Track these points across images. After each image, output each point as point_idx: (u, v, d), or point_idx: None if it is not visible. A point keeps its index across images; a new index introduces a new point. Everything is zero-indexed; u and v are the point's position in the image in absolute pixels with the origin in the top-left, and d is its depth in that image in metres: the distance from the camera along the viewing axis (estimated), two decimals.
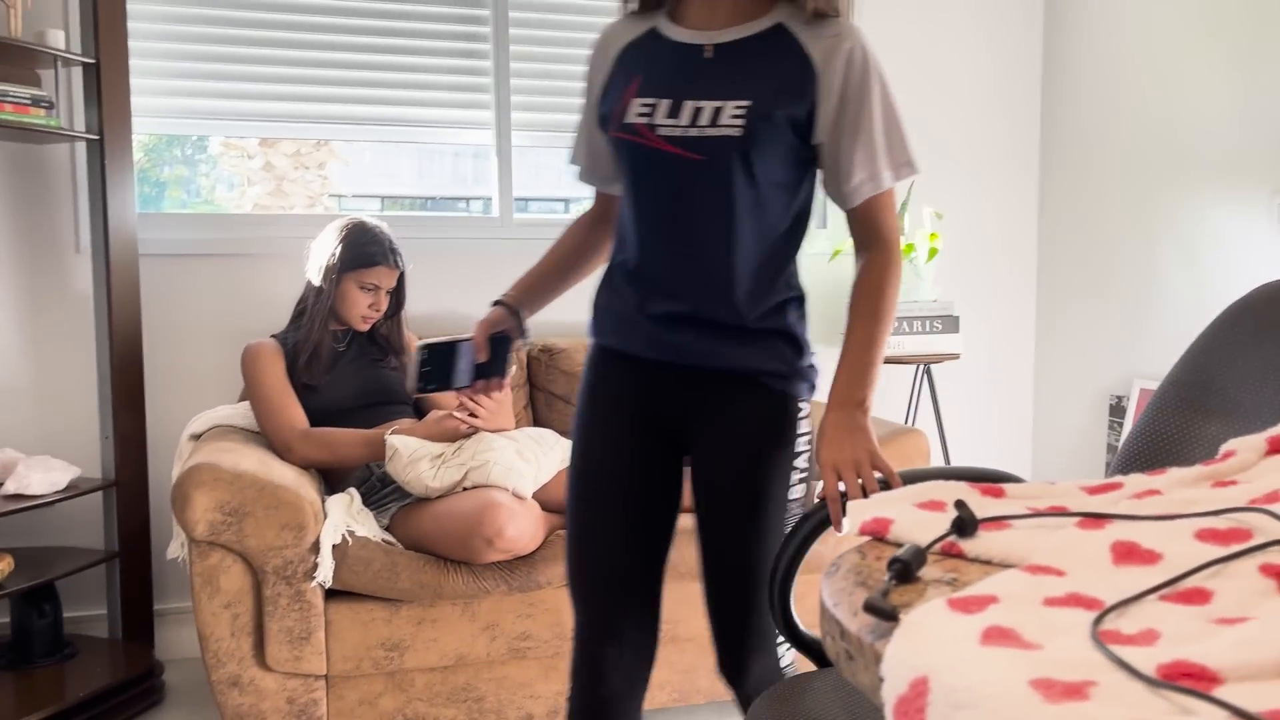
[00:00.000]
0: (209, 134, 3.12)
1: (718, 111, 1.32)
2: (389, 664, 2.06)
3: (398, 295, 2.47)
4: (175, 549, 2.28)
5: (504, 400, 2.29)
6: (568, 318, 3.05)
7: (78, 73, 2.51)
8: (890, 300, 1.36)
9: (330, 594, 2.04)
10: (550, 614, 2.14)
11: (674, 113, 1.34)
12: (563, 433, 2.59)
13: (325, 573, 1.99)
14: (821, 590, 0.69)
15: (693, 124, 1.33)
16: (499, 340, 1.50)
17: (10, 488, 2.27)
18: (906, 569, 0.66)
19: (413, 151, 4.09)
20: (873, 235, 1.39)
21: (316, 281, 2.38)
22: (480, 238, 2.97)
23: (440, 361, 1.48)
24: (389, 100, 2.88)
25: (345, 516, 2.09)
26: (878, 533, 0.76)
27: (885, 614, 0.60)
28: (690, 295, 1.38)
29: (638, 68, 1.41)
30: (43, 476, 2.30)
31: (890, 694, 0.54)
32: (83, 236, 2.61)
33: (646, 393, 1.45)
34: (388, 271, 2.38)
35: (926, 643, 0.54)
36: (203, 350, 2.72)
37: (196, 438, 2.34)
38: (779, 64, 1.34)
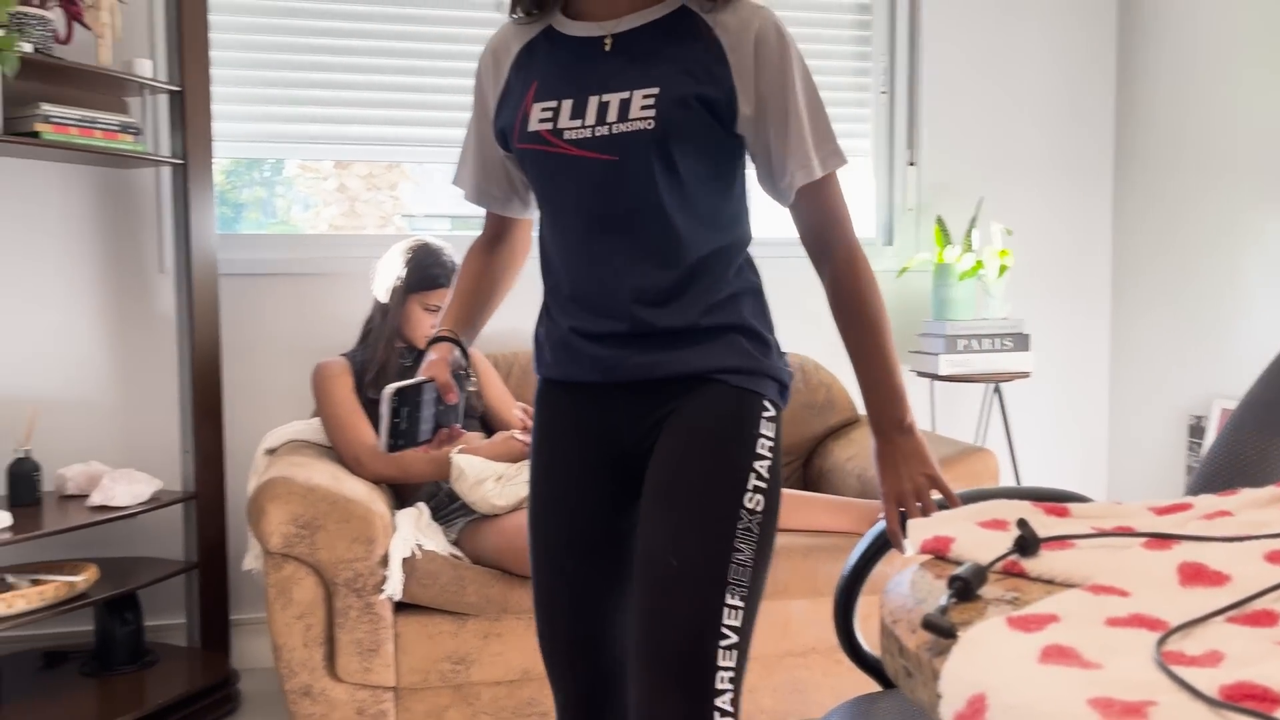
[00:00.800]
0: (285, 157, 3.22)
1: (625, 104, 1.21)
2: (455, 677, 2.09)
3: None
4: (250, 561, 2.34)
5: None
6: None
7: (163, 99, 2.61)
8: (877, 305, 1.24)
9: (399, 607, 2.08)
10: None
11: (578, 113, 1.23)
12: None
13: (395, 586, 2.03)
14: (882, 605, 0.69)
15: (600, 122, 1.22)
16: (455, 378, 1.35)
17: (96, 499, 2.36)
18: (967, 587, 0.66)
19: None
20: (826, 235, 1.27)
21: (383, 300, 2.44)
22: None
23: (410, 410, 1.28)
24: (459, 123, 2.95)
25: (414, 531, 2.13)
26: (938, 551, 0.76)
27: (944, 631, 0.60)
28: (626, 311, 1.24)
29: (534, 71, 1.30)
30: (127, 489, 2.39)
31: (948, 711, 0.54)
32: (166, 257, 2.71)
33: (602, 422, 1.31)
34: (448, 291, 2.43)
35: (985, 660, 0.55)
36: (278, 367, 2.80)
37: (271, 452, 2.40)
38: (685, 47, 1.23)
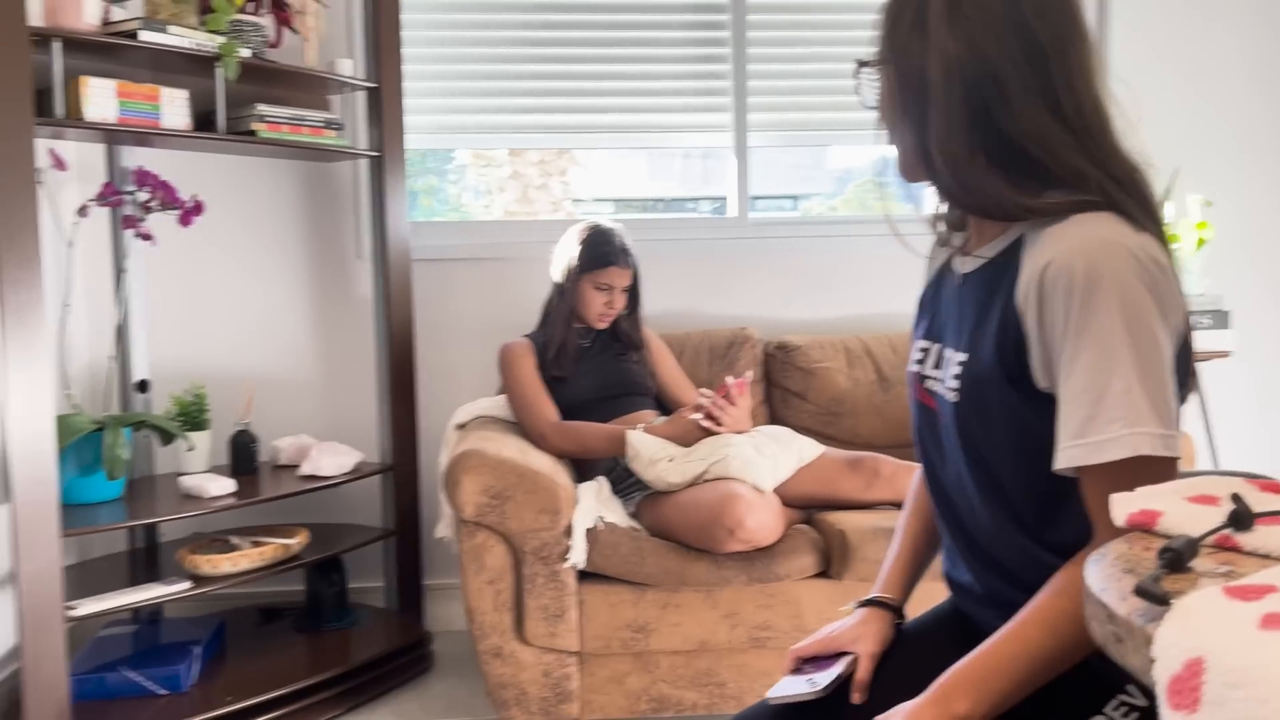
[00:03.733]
0: (463, 147, 3.38)
1: (942, 360, 1.15)
2: (635, 645, 2.16)
3: (633, 293, 2.59)
4: (442, 528, 2.49)
5: (744, 403, 2.35)
6: (802, 314, 3.08)
7: (361, 96, 2.79)
8: (1074, 620, 0.96)
9: (582, 575, 2.17)
10: (789, 606, 2.18)
11: (936, 361, 1.17)
12: (798, 429, 2.63)
13: (578, 555, 2.12)
14: (1087, 577, 0.70)
15: (941, 371, 1.15)
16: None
17: (306, 469, 2.55)
18: (1178, 558, 0.66)
19: (644, 156, 4.24)
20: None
21: (559, 281, 2.55)
22: (719, 238, 3.05)
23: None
24: (630, 108, 3.02)
25: (596, 503, 2.22)
26: (1145, 525, 0.76)
27: (1157, 598, 0.60)
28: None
29: (927, 306, 1.24)
30: (332, 460, 2.57)
31: (1163, 674, 0.55)
32: (363, 244, 2.90)
33: None
34: (620, 272, 2.51)
35: (1202, 626, 0.55)
36: (465, 347, 2.96)
37: (461, 427, 2.54)
38: (999, 299, 1.06)
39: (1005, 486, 1.08)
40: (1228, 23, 3.07)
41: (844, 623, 1.28)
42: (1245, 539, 0.71)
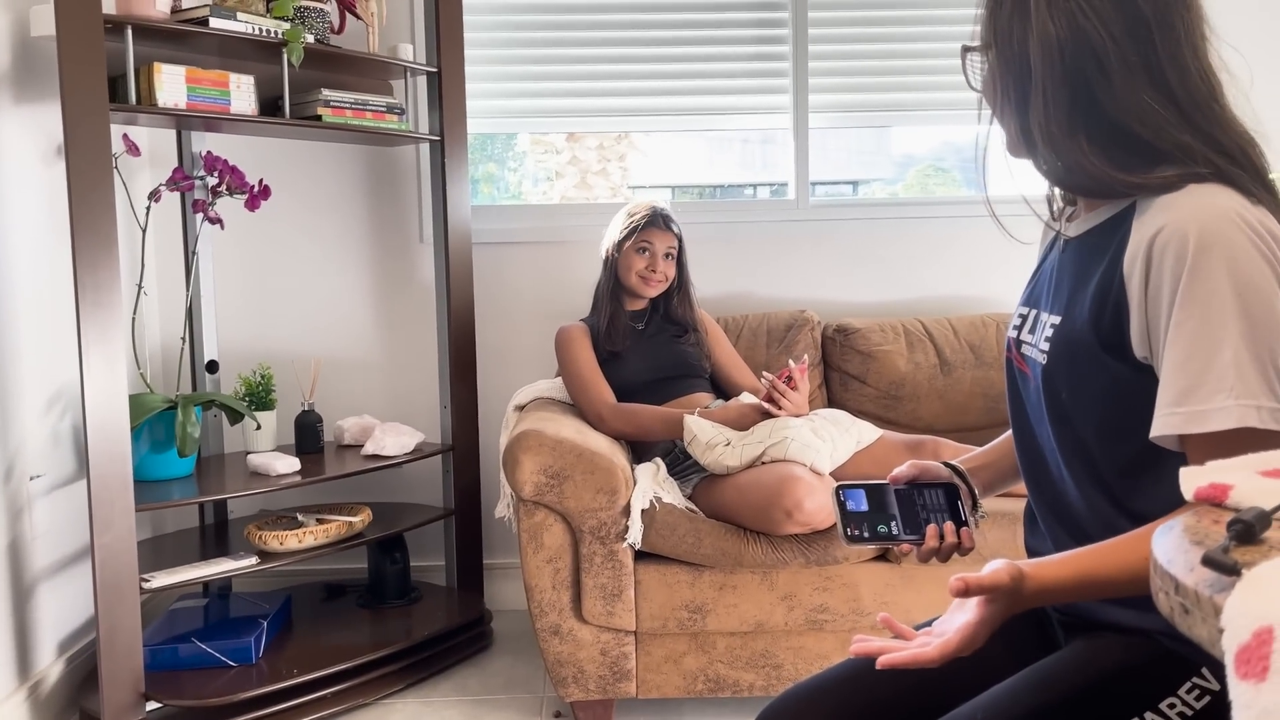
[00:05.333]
0: (521, 131, 3.40)
1: (1037, 325, 1.16)
2: (692, 625, 2.17)
3: (680, 268, 2.59)
4: (502, 509, 2.52)
5: (802, 387, 2.34)
6: (861, 297, 3.05)
7: (422, 81, 2.82)
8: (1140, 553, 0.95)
9: (639, 555, 2.19)
10: (847, 589, 2.17)
11: (1032, 326, 1.17)
12: (856, 413, 2.61)
13: (635, 534, 2.14)
14: (1154, 549, 0.69)
15: (1034, 335, 1.16)
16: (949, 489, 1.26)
17: (369, 448, 2.60)
18: (1249, 529, 0.65)
19: (702, 141, 4.22)
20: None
21: (604, 256, 2.58)
22: (778, 220, 3.03)
23: (875, 505, 1.23)
24: (688, 90, 3.01)
25: (653, 484, 2.23)
26: (1214, 498, 0.74)
27: (1226, 568, 0.59)
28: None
29: (1033, 276, 1.25)
30: (395, 440, 2.62)
31: (1231, 643, 0.54)
32: (425, 228, 2.94)
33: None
34: (660, 233, 2.52)
35: (1272, 595, 0.54)
36: (523, 329, 2.98)
37: (520, 408, 2.57)
38: (1100, 264, 1.06)
39: (1091, 452, 1.08)
40: None
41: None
42: None
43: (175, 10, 2.24)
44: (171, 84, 2.19)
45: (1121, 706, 1.04)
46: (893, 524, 1.22)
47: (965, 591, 0.97)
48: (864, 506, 1.23)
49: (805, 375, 2.35)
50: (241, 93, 2.31)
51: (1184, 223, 0.96)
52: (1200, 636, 0.60)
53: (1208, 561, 0.60)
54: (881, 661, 1.01)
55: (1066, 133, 1.05)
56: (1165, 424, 0.96)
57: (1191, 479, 0.77)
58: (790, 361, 2.38)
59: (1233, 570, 0.59)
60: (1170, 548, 0.67)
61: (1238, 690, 0.53)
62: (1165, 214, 0.98)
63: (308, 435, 2.67)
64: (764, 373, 2.40)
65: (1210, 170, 1.01)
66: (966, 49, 1.14)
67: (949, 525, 1.21)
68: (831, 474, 2.23)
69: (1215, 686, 1.03)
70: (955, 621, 1.01)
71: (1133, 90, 1.02)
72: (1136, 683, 1.05)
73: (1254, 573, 0.57)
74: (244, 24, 2.25)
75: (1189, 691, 1.03)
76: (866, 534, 1.20)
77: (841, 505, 1.22)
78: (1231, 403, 0.93)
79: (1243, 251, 0.94)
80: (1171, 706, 1.03)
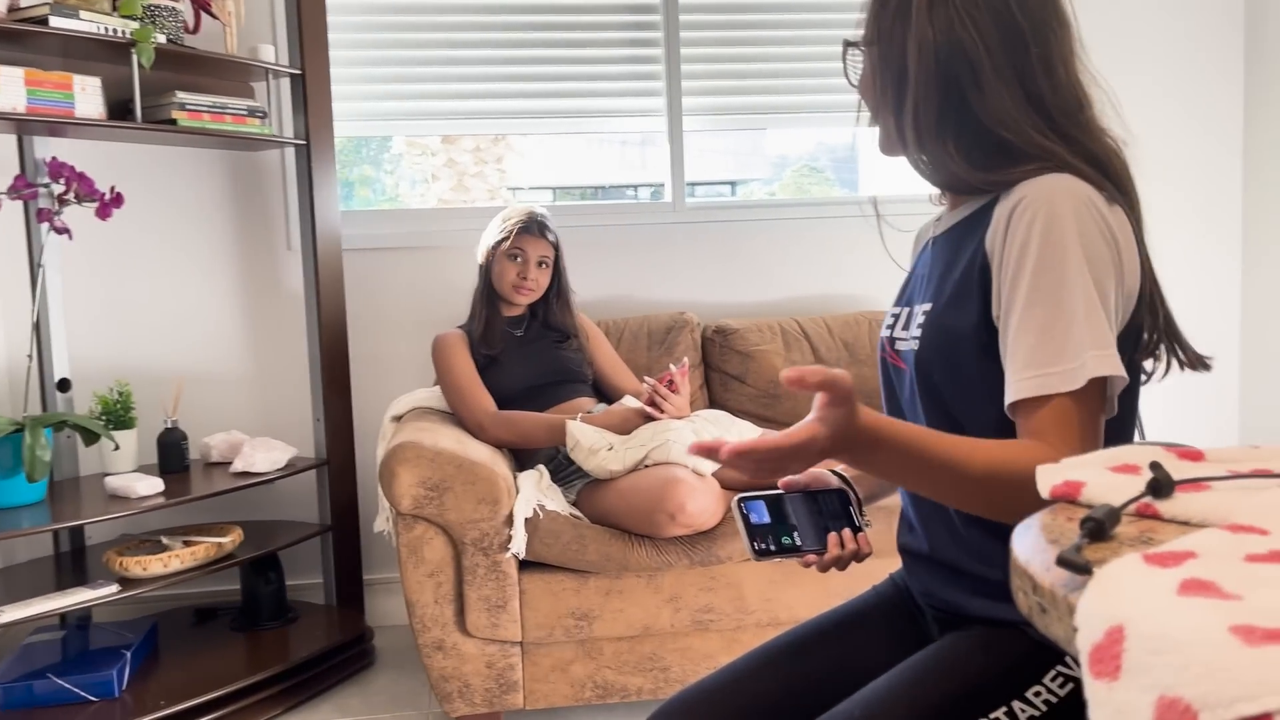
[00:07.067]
0: (396, 134, 3.32)
1: (910, 319, 1.17)
2: (579, 632, 2.15)
3: (557, 275, 2.57)
4: (381, 523, 2.45)
5: (684, 390, 2.35)
6: (740, 298, 3.09)
7: (285, 83, 2.72)
8: (1007, 489, 0.96)
9: (523, 565, 2.16)
10: (731, 588, 2.18)
11: (905, 322, 1.19)
12: (737, 413, 2.64)
13: (519, 544, 2.10)
14: (1013, 548, 0.70)
15: (907, 330, 1.18)
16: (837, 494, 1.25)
17: (238, 465, 2.50)
18: (1100, 527, 0.67)
19: (582, 142, 4.20)
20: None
21: (480, 262, 2.55)
22: (655, 223, 3.04)
23: (775, 516, 1.20)
24: (564, 93, 2.99)
25: (536, 491, 2.20)
26: (1068, 495, 0.77)
27: (1079, 567, 0.61)
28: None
29: (905, 279, 1.28)
30: (265, 455, 2.52)
31: (1085, 643, 0.55)
32: (293, 235, 2.84)
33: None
34: (532, 240, 2.49)
35: (1122, 594, 0.55)
36: (399, 338, 2.91)
37: (398, 419, 2.51)
38: (968, 250, 1.11)
39: (965, 433, 1.09)
40: (1154, 19, 3.13)
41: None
42: (1165, 506, 0.71)
43: (13, 9, 2.11)
44: (9, 86, 2.06)
45: (992, 697, 1.07)
46: (795, 534, 1.19)
47: (799, 381, 0.93)
48: (766, 518, 1.19)
49: (686, 378, 2.36)
50: (87, 95, 2.18)
51: (1040, 195, 1.02)
52: (1057, 635, 0.62)
53: (1062, 562, 0.62)
54: (725, 451, 0.94)
55: (935, 133, 1.10)
56: (1040, 385, 0.99)
57: (1047, 477, 0.79)
58: (671, 366, 2.38)
59: (1085, 570, 0.60)
60: (1028, 547, 0.69)
61: (1092, 689, 0.54)
62: (1024, 190, 1.04)
63: (172, 454, 2.55)
64: (646, 378, 2.40)
65: (1060, 166, 1.06)
66: (849, 44, 1.17)
67: (846, 532, 1.20)
68: (714, 475, 2.25)
69: (1077, 674, 1.06)
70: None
71: (1002, 98, 1.07)
72: (1005, 673, 1.08)
73: (1105, 571, 0.58)
74: (88, 23, 2.13)
75: (1053, 679, 1.06)
76: (773, 547, 1.18)
77: (745, 518, 1.18)
78: (1097, 354, 0.99)
79: (1089, 228, 1.01)
80: (1037, 694, 1.06)
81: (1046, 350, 0.99)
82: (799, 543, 1.19)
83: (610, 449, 2.23)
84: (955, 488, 0.99)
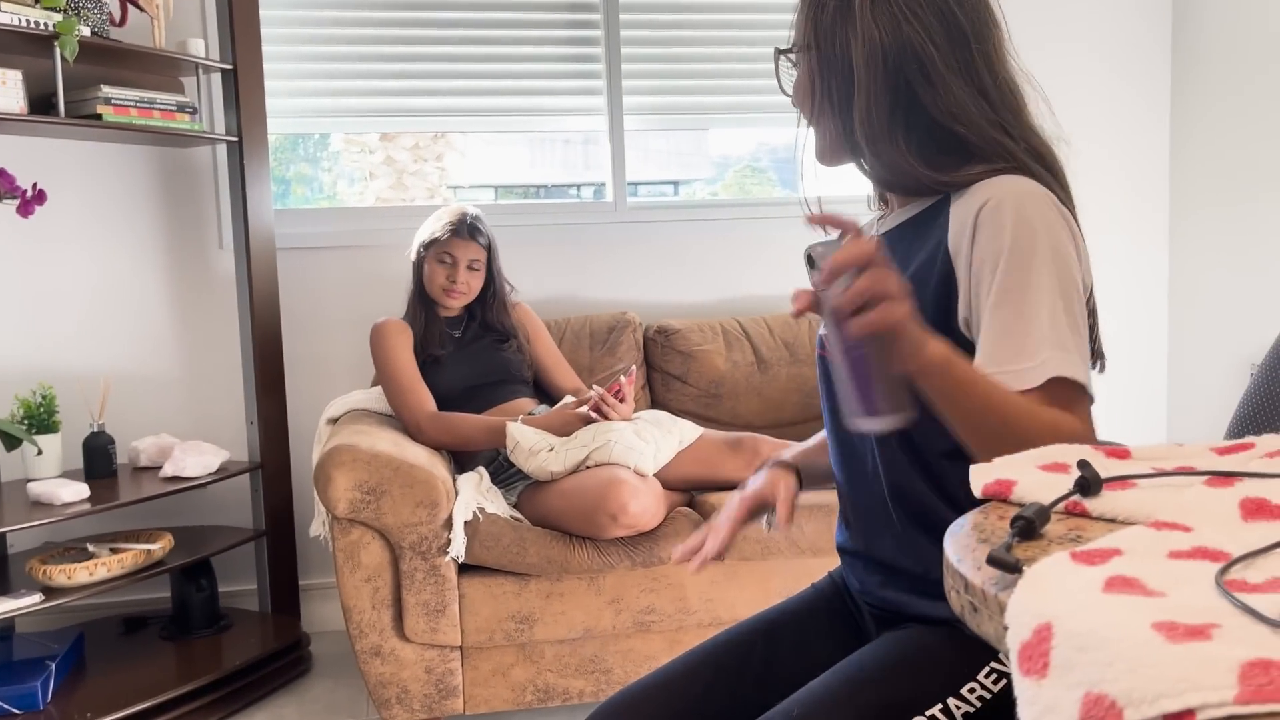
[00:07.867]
0: (333, 131, 3.26)
1: None
2: (520, 636, 2.14)
3: (490, 277, 2.54)
4: (317, 527, 2.41)
5: (630, 397, 2.34)
6: (681, 298, 3.09)
7: (216, 78, 2.66)
8: (1015, 426, 0.93)
9: (463, 569, 2.13)
10: (673, 589, 2.18)
11: None
12: (678, 412, 2.64)
13: (458, 548, 2.08)
14: (945, 547, 0.71)
15: None
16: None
17: (168, 470, 2.43)
18: (1030, 526, 0.67)
19: (524, 141, 4.17)
20: None
21: (411, 258, 2.53)
22: (595, 222, 3.03)
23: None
24: (504, 91, 2.97)
25: (475, 494, 2.18)
26: (1000, 494, 0.77)
27: (1009, 566, 0.61)
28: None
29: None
30: (196, 460, 2.46)
31: (1015, 640, 0.56)
32: (225, 233, 2.77)
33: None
34: (461, 244, 2.46)
35: (1050, 592, 0.56)
36: (335, 338, 2.86)
37: (334, 421, 2.46)
38: (920, 251, 1.10)
39: (912, 437, 1.09)
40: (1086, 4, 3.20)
41: (756, 480, 1.31)
42: (1093, 504, 0.72)
43: None
44: None
45: (928, 695, 1.08)
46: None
47: (826, 219, 0.93)
48: None
49: (633, 386, 2.37)
50: (8, 89, 2.11)
51: (1006, 196, 1.03)
52: (988, 634, 0.62)
53: (992, 560, 0.62)
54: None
55: (887, 134, 1.09)
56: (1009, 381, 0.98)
57: (980, 476, 0.80)
58: (621, 376, 2.36)
59: (1014, 568, 0.61)
60: (960, 546, 0.69)
61: (1021, 686, 0.54)
62: (987, 191, 1.04)
63: (98, 459, 2.47)
64: (594, 385, 2.39)
65: (1016, 167, 1.08)
66: (781, 51, 1.15)
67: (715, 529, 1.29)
68: (656, 475, 2.25)
69: (1010, 670, 1.08)
70: None
71: (953, 92, 1.08)
72: (940, 670, 1.09)
73: (1034, 570, 0.59)
74: (7, 15, 2.06)
75: (987, 676, 1.07)
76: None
77: None
78: (1058, 354, 0.98)
79: (1057, 227, 1.02)
80: (971, 691, 1.07)
81: (1007, 348, 1.00)
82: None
83: (551, 450, 2.21)
84: (982, 423, 0.94)
